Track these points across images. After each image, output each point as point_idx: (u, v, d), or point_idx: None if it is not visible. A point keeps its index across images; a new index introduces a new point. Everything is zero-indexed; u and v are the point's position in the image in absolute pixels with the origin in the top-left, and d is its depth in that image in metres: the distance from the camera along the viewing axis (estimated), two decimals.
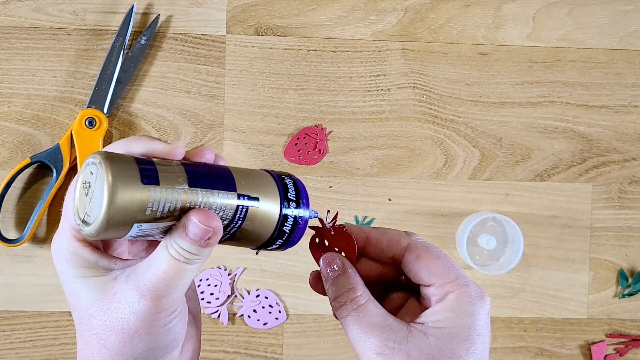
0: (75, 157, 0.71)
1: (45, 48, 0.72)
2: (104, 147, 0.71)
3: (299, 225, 0.40)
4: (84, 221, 0.34)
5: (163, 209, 0.34)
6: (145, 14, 0.73)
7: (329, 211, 0.45)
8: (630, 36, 0.76)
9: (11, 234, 0.72)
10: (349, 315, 0.42)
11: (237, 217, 0.37)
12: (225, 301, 0.74)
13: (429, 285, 0.42)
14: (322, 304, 0.74)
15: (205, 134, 0.73)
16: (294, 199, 0.40)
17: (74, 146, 0.70)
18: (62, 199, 0.72)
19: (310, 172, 0.74)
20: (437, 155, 0.75)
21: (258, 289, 0.74)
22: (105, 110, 0.71)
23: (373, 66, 0.74)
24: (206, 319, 0.74)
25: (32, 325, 0.72)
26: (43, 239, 0.72)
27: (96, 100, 0.71)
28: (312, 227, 0.44)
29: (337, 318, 0.43)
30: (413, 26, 0.75)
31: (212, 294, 0.73)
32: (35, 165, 0.72)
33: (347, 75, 0.74)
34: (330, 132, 0.74)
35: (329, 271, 0.43)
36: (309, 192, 0.74)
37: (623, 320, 0.77)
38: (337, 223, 0.43)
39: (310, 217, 0.41)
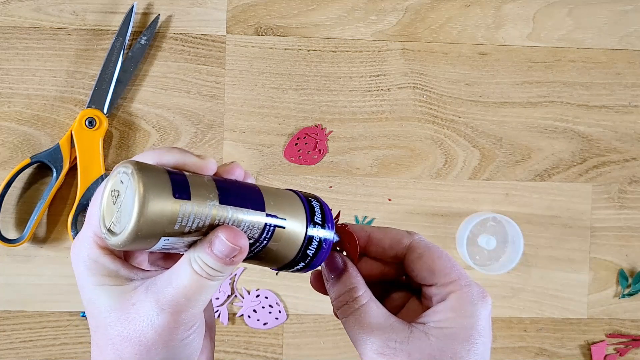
0: (75, 157, 0.71)
1: (45, 48, 0.72)
2: (103, 147, 0.71)
3: (322, 249, 0.40)
4: (110, 230, 0.34)
5: (192, 224, 0.33)
6: (145, 14, 0.73)
7: (330, 210, 0.45)
8: (630, 36, 0.76)
9: (11, 234, 0.72)
10: (350, 315, 0.41)
11: (263, 236, 0.37)
12: (225, 301, 0.74)
13: (430, 285, 0.42)
14: (322, 304, 0.74)
15: (205, 134, 0.73)
16: (320, 222, 0.39)
17: (74, 146, 0.70)
18: (62, 199, 0.72)
19: (310, 172, 0.74)
20: (437, 155, 0.75)
21: (258, 289, 0.74)
22: (105, 110, 0.71)
23: (373, 66, 0.74)
24: None
25: (32, 325, 0.72)
26: (43, 239, 0.72)
27: (96, 100, 0.71)
28: None
29: (338, 317, 0.43)
30: (413, 26, 0.75)
31: None
32: (35, 165, 0.72)
33: (347, 75, 0.74)
34: (330, 132, 0.74)
35: (330, 270, 0.43)
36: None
37: (623, 320, 0.77)
38: (339, 222, 0.43)
39: (334, 241, 0.40)
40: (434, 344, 0.39)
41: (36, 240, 0.72)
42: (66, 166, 0.70)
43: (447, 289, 0.41)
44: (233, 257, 0.35)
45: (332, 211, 0.42)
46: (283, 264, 0.39)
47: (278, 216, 0.37)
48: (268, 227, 0.36)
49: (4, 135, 0.72)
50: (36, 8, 0.72)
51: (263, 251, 0.38)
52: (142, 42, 0.72)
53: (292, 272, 0.41)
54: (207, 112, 0.73)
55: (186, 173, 0.35)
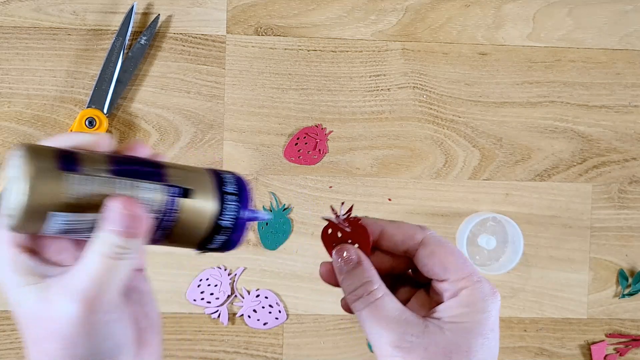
0: None
1: (45, 48, 0.72)
2: None
3: (239, 221, 0.38)
4: (8, 215, 0.33)
5: (83, 199, 0.33)
6: (145, 14, 0.73)
7: (343, 203, 0.45)
8: (630, 36, 0.76)
9: None
10: (366, 308, 0.42)
11: (167, 210, 0.35)
12: (225, 301, 0.74)
13: (442, 281, 0.42)
14: (322, 304, 0.75)
15: (205, 134, 0.73)
16: (233, 192, 0.38)
17: None
18: None
19: (310, 172, 0.74)
20: (437, 155, 0.75)
21: (258, 289, 0.74)
22: (105, 110, 0.71)
23: (373, 66, 0.74)
24: (206, 319, 0.74)
25: None
26: None
27: (96, 100, 0.71)
28: (325, 219, 0.44)
29: (347, 311, 0.43)
30: (413, 26, 0.75)
31: (212, 294, 0.73)
32: None
33: (347, 75, 0.74)
34: (330, 132, 0.74)
35: (344, 264, 0.43)
36: (309, 193, 0.74)
37: (623, 320, 0.77)
38: (352, 215, 0.43)
39: (252, 216, 0.39)
40: (449, 338, 0.40)
41: None
42: None
43: (459, 285, 0.42)
44: (134, 229, 0.34)
45: (345, 205, 0.43)
46: (200, 241, 0.38)
47: (180, 187, 0.36)
48: (169, 200, 0.35)
49: (4, 135, 0.72)
50: (36, 8, 0.72)
51: (173, 228, 0.36)
52: (142, 42, 0.72)
53: (214, 250, 0.39)
54: (207, 112, 0.73)
55: (80, 150, 0.34)
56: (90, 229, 0.34)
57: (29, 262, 0.36)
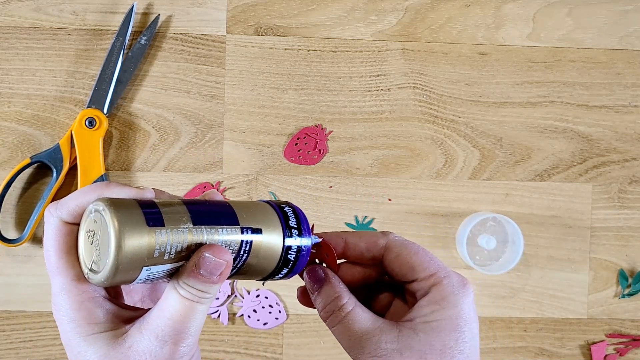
0: (75, 157, 0.71)
1: (45, 48, 0.72)
2: (103, 147, 0.71)
3: (302, 253, 0.40)
4: (92, 270, 0.34)
5: (171, 250, 0.34)
6: (145, 14, 0.73)
7: None
8: (630, 36, 0.76)
9: (11, 234, 0.72)
10: (339, 324, 0.42)
11: (242, 250, 0.37)
12: (225, 301, 0.74)
13: (412, 281, 0.42)
14: None
15: (205, 134, 0.73)
16: (295, 226, 0.40)
17: (74, 146, 0.70)
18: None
19: (310, 172, 0.74)
20: (437, 155, 0.75)
21: (258, 289, 0.74)
22: (105, 110, 0.71)
23: (373, 66, 0.74)
24: (206, 319, 0.74)
25: (32, 325, 0.72)
26: (43, 239, 0.72)
27: (96, 100, 0.71)
28: None
29: (299, 296, 0.44)
30: (413, 26, 0.75)
31: None
32: (35, 165, 0.72)
33: (347, 75, 0.74)
34: (330, 132, 0.74)
35: (313, 284, 0.43)
36: (309, 193, 0.74)
37: (623, 320, 0.77)
38: (314, 233, 0.43)
39: (313, 243, 0.41)
40: (422, 339, 0.40)
41: (36, 240, 0.72)
42: (66, 166, 0.70)
43: (428, 283, 0.42)
44: (219, 275, 0.35)
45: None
46: (267, 274, 0.40)
47: (253, 227, 0.37)
48: (245, 241, 0.37)
49: (4, 135, 0.72)
50: (36, 8, 0.72)
51: (245, 265, 0.38)
52: (142, 42, 0.72)
53: (277, 280, 0.41)
54: (207, 112, 0.73)
55: (155, 200, 0.35)
56: (170, 274, 0.35)
57: (96, 310, 0.36)
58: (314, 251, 0.43)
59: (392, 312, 0.44)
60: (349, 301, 0.42)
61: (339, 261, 0.45)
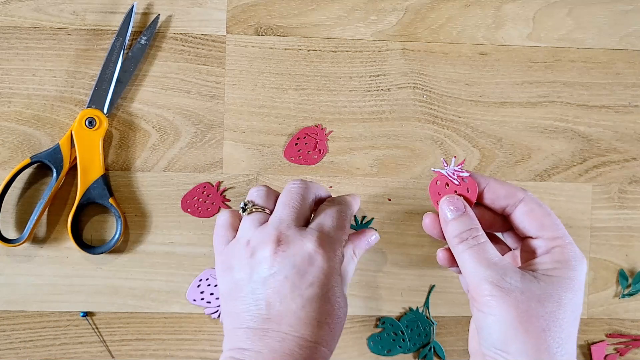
0: (75, 157, 0.71)
1: (45, 48, 0.72)
2: (103, 147, 0.71)
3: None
4: None
5: None
6: (145, 14, 0.73)
7: (455, 157, 0.51)
8: (630, 36, 0.76)
9: (11, 234, 0.72)
10: (470, 249, 0.46)
11: None
12: None
13: (536, 238, 0.47)
14: None
15: (205, 134, 0.73)
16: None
17: (74, 146, 0.71)
18: (62, 199, 0.72)
19: (310, 172, 0.74)
20: (437, 155, 0.75)
21: None
22: (105, 110, 0.71)
23: (373, 66, 0.74)
24: (206, 319, 0.74)
25: (32, 325, 0.73)
26: (43, 239, 0.72)
27: (96, 100, 0.71)
28: (436, 171, 0.50)
29: (444, 264, 0.50)
30: (413, 26, 0.75)
31: (212, 294, 0.73)
32: (35, 165, 0.72)
33: (347, 75, 0.74)
34: (330, 132, 0.74)
35: (451, 210, 0.48)
36: None
37: (623, 320, 0.77)
38: (463, 168, 0.49)
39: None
40: (543, 287, 0.44)
41: (36, 240, 0.72)
42: (66, 166, 0.70)
43: (552, 243, 0.46)
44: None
45: (458, 158, 0.47)
46: None
47: None
48: None
49: (4, 135, 0.72)
50: (36, 8, 0.72)
51: None
52: (142, 42, 0.72)
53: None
54: (207, 112, 0.73)
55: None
56: None
57: None
58: (458, 184, 0.48)
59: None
60: (483, 234, 0.47)
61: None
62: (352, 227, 0.74)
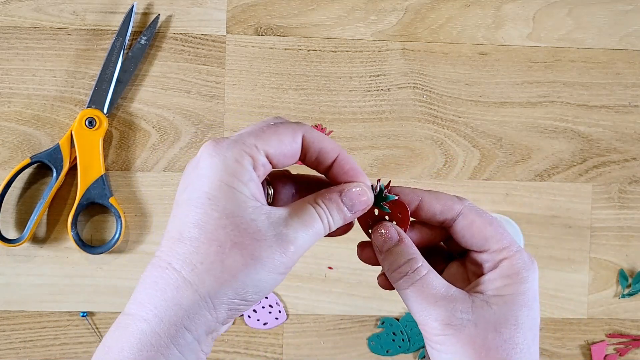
0: (75, 157, 0.71)
1: (45, 48, 0.72)
2: (103, 147, 0.71)
3: None
4: None
5: None
6: (145, 14, 0.73)
7: (379, 180, 0.43)
8: (630, 36, 0.76)
9: (11, 234, 0.72)
10: (412, 287, 0.41)
11: None
12: None
13: (481, 252, 0.42)
14: (322, 304, 0.74)
15: (205, 134, 0.73)
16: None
17: (74, 146, 0.71)
18: (62, 199, 0.72)
19: (310, 172, 0.74)
20: (437, 155, 0.75)
21: None
22: (105, 110, 0.71)
23: (373, 66, 0.74)
24: None
25: (32, 325, 0.72)
26: (43, 239, 0.72)
27: (96, 100, 0.71)
28: None
29: (385, 288, 0.43)
30: (413, 26, 0.75)
31: None
32: (35, 165, 0.72)
33: (347, 75, 0.74)
34: (330, 132, 0.74)
35: (384, 242, 0.42)
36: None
37: (623, 320, 0.77)
38: (389, 190, 0.42)
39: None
40: (497, 312, 0.40)
41: (36, 240, 0.72)
42: (66, 166, 0.70)
43: (499, 256, 0.41)
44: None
45: (382, 181, 0.42)
46: None
47: None
48: None
49: (4, 135, 0.72)
50: (36, 8, 0.72)
51: None
52: (142, 42, 0.72)
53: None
54: (207, 112, 0.73)
55: None
56: None
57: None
58: (387, 209, 0.42)
59: (447, 279, 0.43)
60: (424, 265, 0.42)
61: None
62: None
